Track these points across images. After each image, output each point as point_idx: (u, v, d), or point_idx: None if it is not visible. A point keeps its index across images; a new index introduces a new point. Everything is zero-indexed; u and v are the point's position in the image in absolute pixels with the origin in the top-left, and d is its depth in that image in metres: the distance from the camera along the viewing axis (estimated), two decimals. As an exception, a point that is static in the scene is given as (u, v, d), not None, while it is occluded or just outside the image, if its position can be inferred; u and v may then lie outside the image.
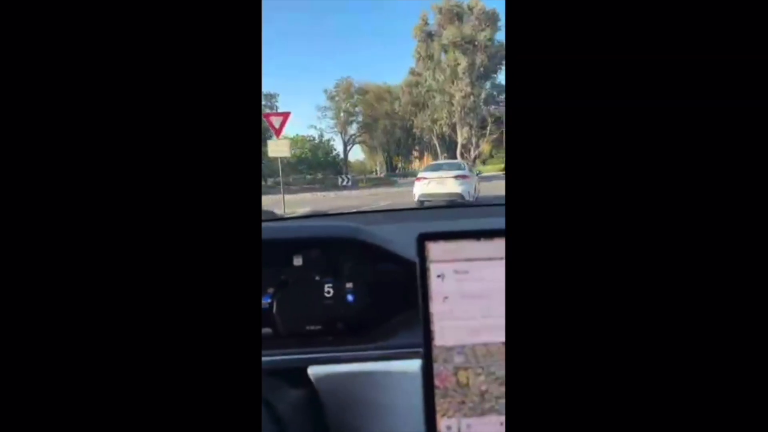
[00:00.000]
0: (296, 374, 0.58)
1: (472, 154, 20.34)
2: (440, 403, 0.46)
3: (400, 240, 0.63)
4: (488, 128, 20.90)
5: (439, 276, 0.46)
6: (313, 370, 0.58)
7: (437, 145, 22.14)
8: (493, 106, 20.69)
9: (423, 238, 0.45)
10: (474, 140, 20.58)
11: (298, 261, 0.63)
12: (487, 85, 20.99)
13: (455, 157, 18.52)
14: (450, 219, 0.96)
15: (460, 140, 20.41)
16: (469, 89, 19.81)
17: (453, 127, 20.75)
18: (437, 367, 0.46)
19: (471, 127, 20.31)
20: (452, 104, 20.08)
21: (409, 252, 0.60)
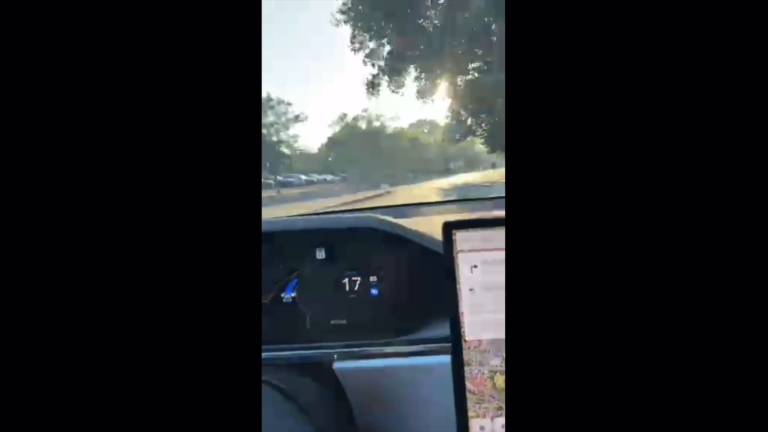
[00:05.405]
0: (322, 369, 0.56)
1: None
2: (475, 408, 0.42)
3: (425, 231, 0.60)
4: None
5: (469, 266, 0.42)
6: (338, 366, 0.56)
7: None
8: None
9: (449, 227, 0.41)
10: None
11: (320, 254, 0.61)
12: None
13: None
14: (484, 210, 0.91)
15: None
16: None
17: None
18: (472, 371, 0.42)
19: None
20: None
21: (435, 243, 0.56)
